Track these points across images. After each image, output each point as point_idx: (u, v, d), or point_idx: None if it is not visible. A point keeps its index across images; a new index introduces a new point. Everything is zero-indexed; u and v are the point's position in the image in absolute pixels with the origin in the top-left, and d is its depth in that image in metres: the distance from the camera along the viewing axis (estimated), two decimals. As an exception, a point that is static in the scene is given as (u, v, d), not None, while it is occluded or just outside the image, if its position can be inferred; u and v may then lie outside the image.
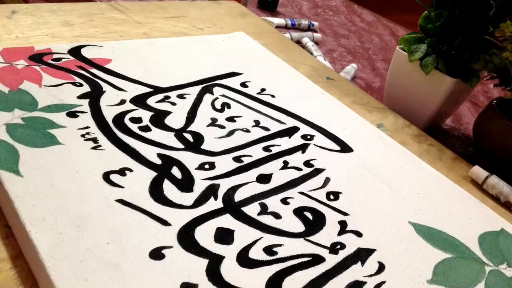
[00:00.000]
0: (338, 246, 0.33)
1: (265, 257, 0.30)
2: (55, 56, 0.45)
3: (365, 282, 0.31)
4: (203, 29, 0.61)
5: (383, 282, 0.31)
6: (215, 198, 0.34)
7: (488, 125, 0.51)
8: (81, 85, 0.42)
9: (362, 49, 0.80)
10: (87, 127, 0.37)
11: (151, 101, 0.43)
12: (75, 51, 0.47)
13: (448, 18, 0.49)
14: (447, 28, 0.49)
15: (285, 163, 0.40)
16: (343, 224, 0.35)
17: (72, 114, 0.38)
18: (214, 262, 0.29)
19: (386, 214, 0.37)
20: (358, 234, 0.34)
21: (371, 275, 0.31)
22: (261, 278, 0.29)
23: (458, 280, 0.33)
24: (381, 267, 0.32)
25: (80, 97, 0.41)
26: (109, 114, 0.40)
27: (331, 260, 0.31)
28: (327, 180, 0.39)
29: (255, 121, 0.45)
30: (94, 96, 0.41)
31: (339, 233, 0.34)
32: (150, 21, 0.60)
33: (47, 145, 0.34)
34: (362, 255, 0.33)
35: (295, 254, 0.31)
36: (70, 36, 0.52)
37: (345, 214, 0.36)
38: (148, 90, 0.45)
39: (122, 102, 0.42)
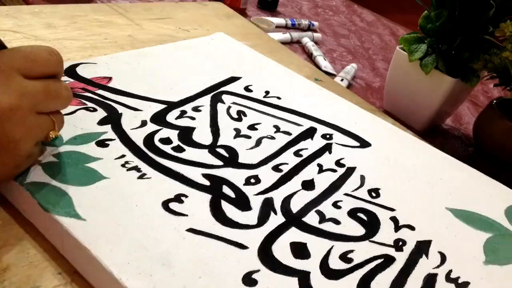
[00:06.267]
0: (400, 243, 0.34)
1: (344, 265, 0.31)
2: (54, 80, 0.42)
3: (437, 274, 0.32)
4: (189, 31, 0.60)
5: (451, 271, 0.33)
6: (275, 213, 0.34)
7: (488, 125, 0.51)
8: (95, 109, 0.40)
9: (362, 49, 0.80)
10: (123, 156, 0.35)
11: (170, 118, 0.42)
12: (71, 71, 0.44)
13: (448, 18, 0.50)
14: (447, 28, 0.50)
15: (320, 166, 0.40)
16: (395, 220, 0.36)
17: (102, 144, 0.36)
18: (303, 279, 0.29)
19: (424, 203, 0.39)
20: (411, 227, 0.36)
21: (438, 266, 0.33)
22: (350, 287, 0.29)
23: (507, 257, 0.35)
24: (443, 257, 0.34)
25: (100, 123, 0.38)
26: (137, 138, 0.38)
27: (400, 258, 0.33)
28: (363, 178, 0.40)
29: (274, 126, 0.45)
30: (113, 120, 0.39)
31: (395, 230, 0.35)
32: (135, 23, 0.57)
33: (93, 182, 0.32)
34: (423, 248, 0.34)
35: (369, 258, 0.32)
36: (53, 39, 0.49)
37: (391, 209, 0.37)
38: (162, 106, 0.43)
39: (144, 123, 0.40)
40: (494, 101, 0.54)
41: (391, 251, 0.33)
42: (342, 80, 0.68)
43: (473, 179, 0.45)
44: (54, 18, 0.53)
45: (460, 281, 0.32)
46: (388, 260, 0.32)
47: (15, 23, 0.49)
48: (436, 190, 0.41)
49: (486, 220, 0.39)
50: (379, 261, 0.32)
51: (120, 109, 0.41)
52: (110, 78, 0.45)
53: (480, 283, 0.32)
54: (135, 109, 0.41)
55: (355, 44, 0.82)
